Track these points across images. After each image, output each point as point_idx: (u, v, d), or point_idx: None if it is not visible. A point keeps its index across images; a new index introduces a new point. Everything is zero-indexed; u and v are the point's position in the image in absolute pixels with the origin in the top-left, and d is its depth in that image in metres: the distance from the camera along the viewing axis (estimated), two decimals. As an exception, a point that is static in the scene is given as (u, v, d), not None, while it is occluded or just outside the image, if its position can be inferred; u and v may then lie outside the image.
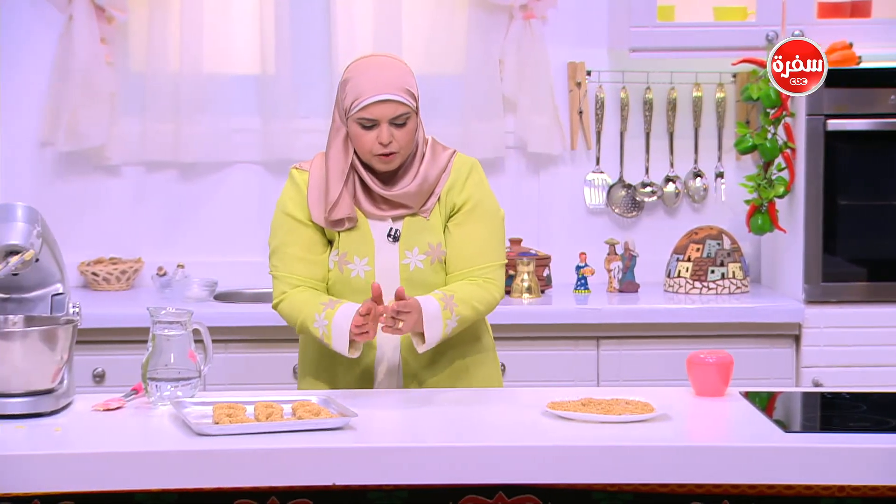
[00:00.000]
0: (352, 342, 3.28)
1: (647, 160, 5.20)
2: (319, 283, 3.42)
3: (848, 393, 3.36)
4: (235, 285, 5.01)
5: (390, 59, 3.43)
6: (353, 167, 3.39)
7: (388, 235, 3.41)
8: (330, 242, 3.43)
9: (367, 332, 3.25)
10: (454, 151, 3.47)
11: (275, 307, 3.44)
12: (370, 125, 3.32)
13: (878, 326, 4.69)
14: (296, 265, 3.40)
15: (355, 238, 3.40)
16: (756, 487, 2.88)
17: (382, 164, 3.35)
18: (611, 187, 5.20)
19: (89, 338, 4.27)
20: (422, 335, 3.29)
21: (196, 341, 3.20)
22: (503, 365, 4.39)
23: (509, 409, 3.16)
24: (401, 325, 3.22)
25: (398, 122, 3.33)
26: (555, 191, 5.20)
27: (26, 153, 5.05)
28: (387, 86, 3.32)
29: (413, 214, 3.41)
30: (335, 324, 3.29)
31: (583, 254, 4.94)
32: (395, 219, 3.41)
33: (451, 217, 3.43)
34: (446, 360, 3.45)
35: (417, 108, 3.38)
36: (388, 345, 3.42)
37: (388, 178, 3.40)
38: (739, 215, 5.08)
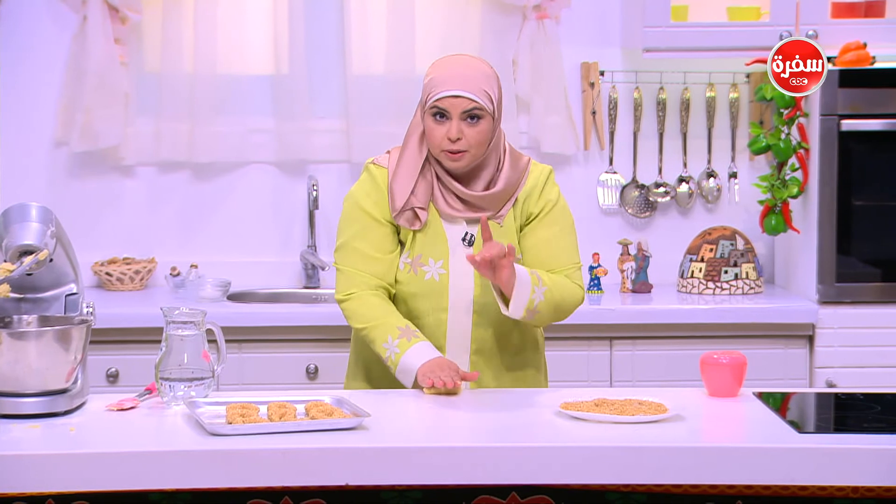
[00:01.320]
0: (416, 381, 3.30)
1: (661, 160, 5.20)
2: (384, 281, 3.40)
3: (862, 394, 3.35)
4: (249, 285, 5.01)
5: (475, 59, 3.42)
6: (429, 162, 3.38)
7: (463, 240, 3.41)
8: (401, 244, 3.43)
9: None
10: (529, 158, 3.48)
11: (339, 301, 3.42)
12: (441, 117, 3.31)
13: (893, 327, 4.67)
14: (363, 262, 3.39)
15: (430, 240, 3.40)
16: (770, 488, 2.88)
17: (450, 160, 3.33)
18: (624, 187, 5.19)
19: (103, 338, 4.28)
20: (506, 300, 3.27)
21: (209, 341, 3.21)
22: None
23: (522, 410, 3.16)
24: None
25: (470, 117, 3.31)
26: (568, 191, 5.13)
27: (41, 153, 5.05)
28: (463, 81, 3.31)
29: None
30: (406, 359, 3.29)
31: (596, 254, 4.94)
32: (468, 222, 3.41)
33: (527, 223, 3.44)
34: (513, 375, 3.48)
35: (496, 113, 3.35)
36: (459, 351, 3.42)
37: (463, 179, 3.39)
38: (753, 216, 5.07)
